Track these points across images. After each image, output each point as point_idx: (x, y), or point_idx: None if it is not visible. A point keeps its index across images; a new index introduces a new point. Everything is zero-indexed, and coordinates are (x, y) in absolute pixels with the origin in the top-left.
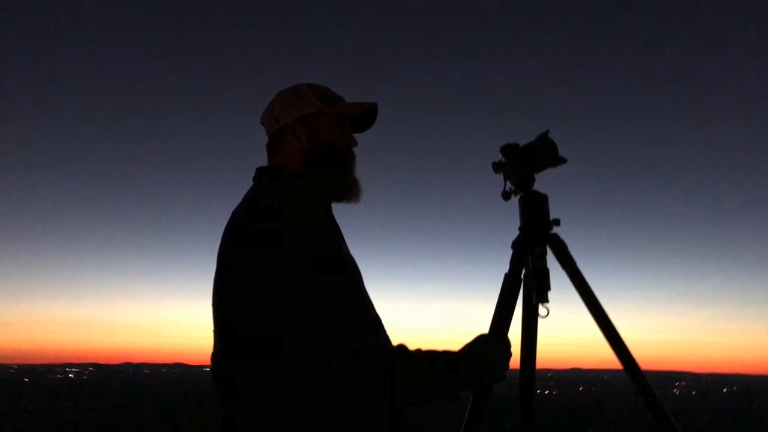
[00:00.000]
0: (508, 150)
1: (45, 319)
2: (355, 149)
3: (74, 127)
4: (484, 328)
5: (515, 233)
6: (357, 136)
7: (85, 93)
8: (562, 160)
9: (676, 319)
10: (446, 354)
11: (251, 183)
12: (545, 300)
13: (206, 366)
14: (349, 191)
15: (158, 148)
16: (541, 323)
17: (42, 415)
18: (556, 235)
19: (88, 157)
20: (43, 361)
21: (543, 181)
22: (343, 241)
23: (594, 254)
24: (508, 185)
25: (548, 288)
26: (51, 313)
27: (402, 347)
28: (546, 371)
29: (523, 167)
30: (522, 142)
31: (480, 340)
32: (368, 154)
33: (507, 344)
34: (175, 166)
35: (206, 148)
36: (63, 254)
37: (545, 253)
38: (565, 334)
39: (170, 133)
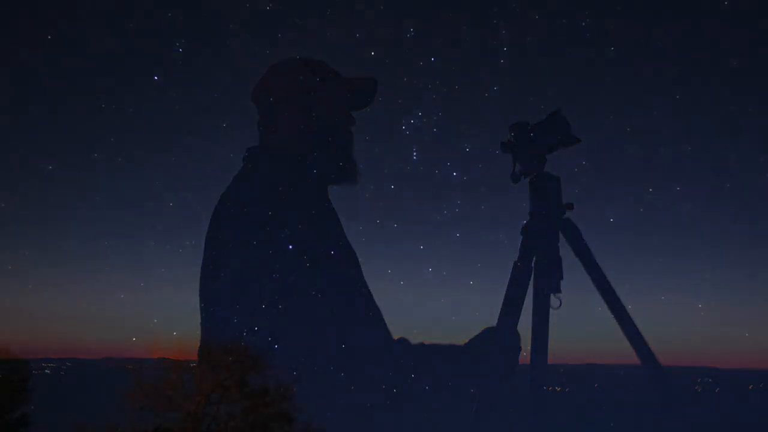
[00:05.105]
0: (518, 128)
1: (17, 309)
2: (352, 128)
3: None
4: (492, 320)
5: (525, 218)
6: (354, 114)
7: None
8: (576, 140)
9: (699, 310)
10: (452, 348)
11: (242, 164)
12: (557, 290)
13: (193, 361)
14: (346, 173)
15: (138, 118)
16: (553, 314)
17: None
18: (569, 221)
19: (60, 127)
20: (16, 356)
21: (555, 163)
22: (340, 226)
23: (610, 240)
24: (518, 167)
25: (560, 277)
26: (24, 301)
27: (404, 341)
28: (558, 366)
29: (533, 147)
30: (532, 120)
31: (487, 333)
32: (366, 133)
33: (516, 337)
34: (159, 138)
35: (194, 118)
36: (36, 234)
37: (557, 240)
38: (579, 326)
39: (151, 103)
